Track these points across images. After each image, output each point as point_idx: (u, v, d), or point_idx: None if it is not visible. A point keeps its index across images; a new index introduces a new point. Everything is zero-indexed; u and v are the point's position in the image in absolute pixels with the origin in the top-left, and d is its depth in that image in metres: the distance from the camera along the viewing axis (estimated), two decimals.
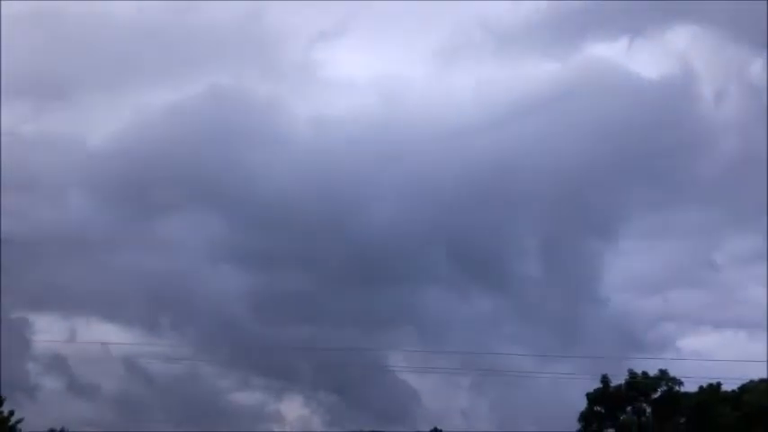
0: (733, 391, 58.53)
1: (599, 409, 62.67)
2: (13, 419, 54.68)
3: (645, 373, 62.18)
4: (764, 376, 57.77)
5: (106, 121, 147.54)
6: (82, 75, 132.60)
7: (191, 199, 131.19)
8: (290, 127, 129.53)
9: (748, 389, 57.67)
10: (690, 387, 60.70)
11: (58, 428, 72.72)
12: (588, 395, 62.77)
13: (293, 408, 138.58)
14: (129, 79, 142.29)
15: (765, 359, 57.29)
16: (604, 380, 62.43)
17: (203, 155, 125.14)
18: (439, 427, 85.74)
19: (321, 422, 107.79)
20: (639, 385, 61.80)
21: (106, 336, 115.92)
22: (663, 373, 61.15)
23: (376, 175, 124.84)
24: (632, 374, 62.42)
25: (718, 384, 58.84)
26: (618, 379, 62.70)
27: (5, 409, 54.50)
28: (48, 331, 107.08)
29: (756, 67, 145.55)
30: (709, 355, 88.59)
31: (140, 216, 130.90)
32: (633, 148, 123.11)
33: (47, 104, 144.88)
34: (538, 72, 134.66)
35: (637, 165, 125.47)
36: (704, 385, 59.23)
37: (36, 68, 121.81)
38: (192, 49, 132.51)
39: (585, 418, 62.58)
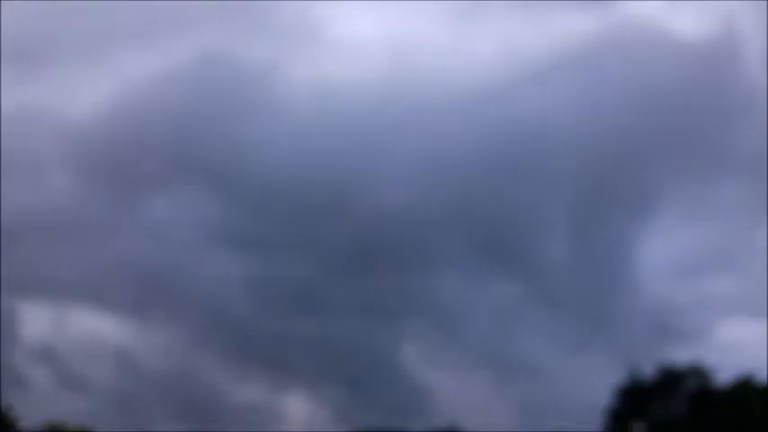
0: None
1: (627, 402, 65.52)
2: (12, 415, 59.37)
3: (676, 365, 65.92)
4: None
5: (87, 92, 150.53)
6: (60, 40, 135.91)
7: (181, 176, 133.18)
8: (289, 94, 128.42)
9: None
10: (722, 379, 63.22)
11: (56, 423, 77.89)
12: (615, 388, 65.23)
13: (297, 403, 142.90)
14: (111, 45, 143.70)
15: None
16: (633, 372, 64.81)
17: (194, 127, 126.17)
18: (456, 423, 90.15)
19: (327, 418, 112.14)
20: (670, 378, 65.41)
21: (97, 326, 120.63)
22: (695, 364, 63.89)
23: (387, 147, 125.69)
24: (663, 366, 64.79)
25: (752, 377, 62.16)
26: (648, 370, 64.95)
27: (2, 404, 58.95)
28: (35, 321, 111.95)
29: None
30: (747, 346, 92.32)
31: (128, 196, 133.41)
32: (671, 116, 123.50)
33: (23, 73, 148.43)
34: (568, 30, 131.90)
35: (675, 134, 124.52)
36: (738, 378, 62.66)
37: (10, 33, 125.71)
38: (178, 11, 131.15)
39: (613, 412, 65.09)
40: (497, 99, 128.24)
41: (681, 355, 68.56)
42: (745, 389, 61.45)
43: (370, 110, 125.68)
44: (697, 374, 64.10)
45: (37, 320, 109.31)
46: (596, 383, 79.35)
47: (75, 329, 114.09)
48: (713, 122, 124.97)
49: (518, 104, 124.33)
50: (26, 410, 63.60)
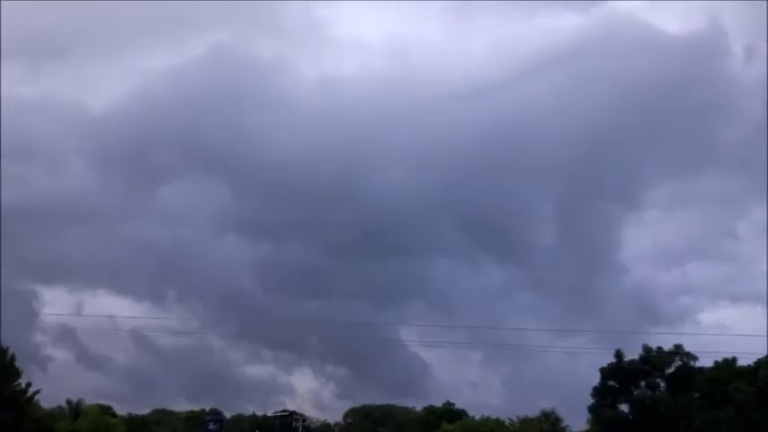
0: (749, 366, 61.14)
1: (613, 383, 65.39)
2: (30, 391, 59.29)
3: (660, 348, 65.87)
4: None
5: (106, 85, 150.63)
6: (80, 36, 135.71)
7: (194, 165, 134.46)
8: (295, 88, 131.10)
9: (764, 364, 61.11)
10: (705, 362, 63.63)
11: (74, 400, 78.01)
12: (602, 370, 65.23)
13: (304, 381, 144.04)
14: (128, 41, 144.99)
15: None
16: (618, 354, 65.02)
17: (206, 119, 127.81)
18: (451, 401, 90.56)
19: (331, 395, 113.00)
20: (654, 360, 64.76)
21: (113, 308, 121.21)
22: (677, 347, 64.02)
23: (386, 138, 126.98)
24: (647, 349, 64.96)
25: (734, 359, 61.56)
26: (633, 353, 65.37)
27: (22, 382, 59.00)
28: (54, 303, 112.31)
29: None
30: (726, 330, 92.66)
31: (144, 184, 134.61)
32: (656, 109, 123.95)
33: (44, 66, 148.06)
34: (556, 28, 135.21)
35: (660, 127, 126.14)
36: (719, 360, 62.19)
37: (34, 29, 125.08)
38: (191, 8, 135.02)
39: (599, 392, 65.23)
40: (489, 94, 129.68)
41: (665, 339, 68.97)
42: (726, 371, 61.18)
43: (370, 104, 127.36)
44: (680, 357, 63.87)
45: (56, 303, 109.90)
46: (583, 365, 79.80)
47: (92, 311, 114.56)
48: (696, 116, 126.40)
49: (509, 99, 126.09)
50: (46, 390, 63.63)
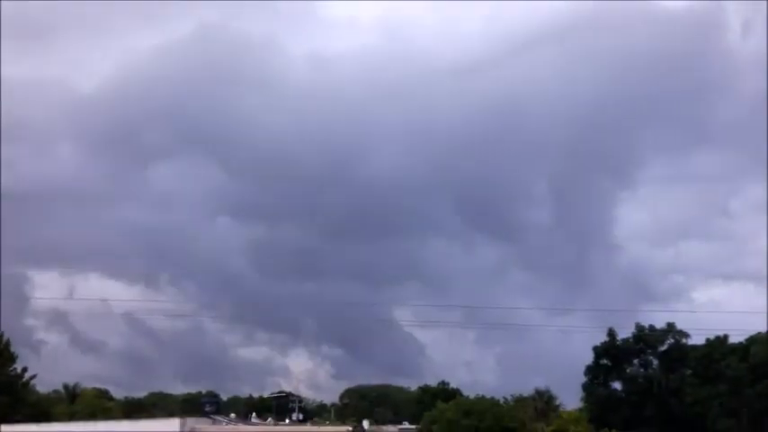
0: (740, 343, 62.51)
1: (606, 361, 66.94)
2: (27, 376, 60.04)
3: (652, 326, 66.78)
4: None
5: (94, 64, 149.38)
6: (67, 15, 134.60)
7: (185, 146, 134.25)
8: (285, 67, 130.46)
9: (755, 340, 62.30)
10: (697, 339, 64.95)
11: (71, 385, 78.91)
12: (595, 348, 66.76)
13: (299, 362, 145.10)
14: (116, 19, 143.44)
15: None
16: (611, 333, 66.41)
17: (196, 99, 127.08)
18: (446, 380, 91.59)
19: (327, 376, 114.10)
20: (646, 338, 66.00)
21: (106, 291, 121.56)
22: (670, 325, 65.27)
23: (379, 117, 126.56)
24: (640, 327, 66.23)
25: (725, 337, 62.91)
26: (625, 331, 66.68)
27: (18, 367, 59.68)
28: (46, 287, 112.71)
29: None
30: (718, 307, 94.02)
31: (134, 166, 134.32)
32: (652, 85, 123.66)
33: (31, 46, 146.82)
34: (549, 3, 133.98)
35: (655, 103, 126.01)
36: (711, 338, 63.57)
37: (19, 8, 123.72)
38: None
39: (592, 371, 66.80)
40: (482, 72, 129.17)
41: (658, 317, 70.16)
42: (719, 348, 62.23)
43: (362, 83, 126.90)
44: (673, 335, 64.85)
45: (48, 286, 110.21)
46: (577, 343, 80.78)
47: (85, 295, 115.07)
48: (692, 92, 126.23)
49: (502, 76, 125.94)
50: (41, 374, 64.29)
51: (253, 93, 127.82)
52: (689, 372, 64.34)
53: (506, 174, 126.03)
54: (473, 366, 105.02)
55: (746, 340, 62.62)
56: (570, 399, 72.30)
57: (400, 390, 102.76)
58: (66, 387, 79.80)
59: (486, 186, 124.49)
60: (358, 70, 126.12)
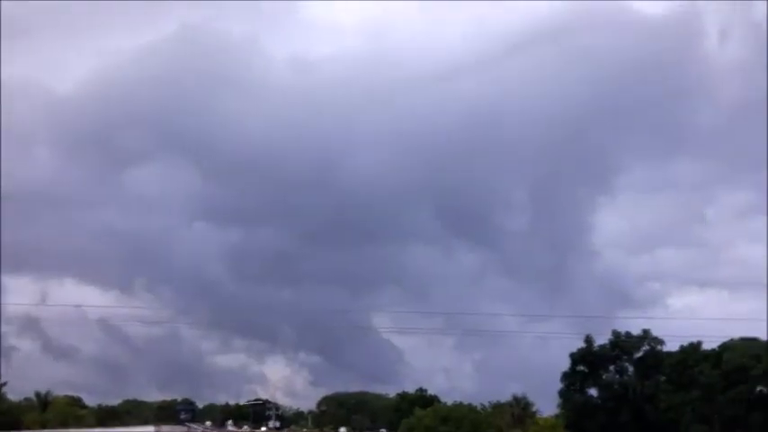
0: (713, 349, 63.00)
1: (582, 368, 66.92)
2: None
3: (628, 333, 67.29)
4: (745, 335, 63.52)
5: (71, 65, 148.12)
6: (45, 14, 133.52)
7: (163, 149, 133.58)
8: (267, 69, 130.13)
9: (728, 347, 63.05)
10: (672, 346, 65.41)
11: (42, 392, 77.89)
12: (572, 355, 66.73)
13: (277, 369, 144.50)
14: (95, 19, 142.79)
15: (747, 318, 62.80)
16: (588, 339, 66.56)
17: (175, 101, 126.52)
18: (424, 387, 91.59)
19: (305, 383, 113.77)
20: (622, 345, 66.24)
21: (81, 297, 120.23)
22: (645, 332, 65.59)
23: (360, 121, 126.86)
24: (616, 334, 66.56)
25: (699, 343, 63.29)
26: (602, 338, 66.97)
27: None
28: (18, 292, 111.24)
29: (761, 5, 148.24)
30: (693, 314, 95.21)
31: (111, 168, 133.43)
32: (632, 91, 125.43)
33: (8, 46, 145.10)
34: (532, 9, 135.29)
35: (635, 110, 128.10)
36: (685, 344, 63.99)
37: None
38: None
39: (569, 377, 66.66)
40: (464, 77, 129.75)
41: (634, 323, 70.60)
42: (692, 355, 62.74)
43: (344, 87, 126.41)
44: (648, 341, 65.29)
45: (21, 291, 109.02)
46: (553, 349, 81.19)
47: (59, 301, 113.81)
48: (672, 99, 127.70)
49: (484, 81, 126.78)
50: (12, 381, 63.38)
51: (233, 95, 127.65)
52: (663, 378, 64.84)
53: (487, 179, 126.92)
54: (451, 373, 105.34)
55: (719, 347, 63.24)
56: (547, 405, 73.00)
57: (378, 397, 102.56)
58: (37, 395, 78.76)
59: (466, 192, 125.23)
60: (340, 74, 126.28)
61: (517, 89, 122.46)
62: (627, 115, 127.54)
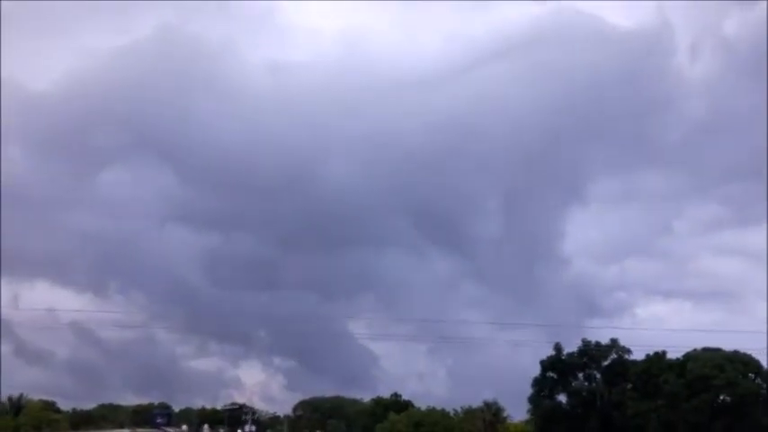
0: (678, 359, 65.60)
1: (552, 375, 69.23)
2: None
3: (597, 342, 69.91)
4: (708, 345, 66.56)
5: (45, 64, 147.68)
6: (20, 12, 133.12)
7: (138, 150, 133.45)
8: (243, 74, 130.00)
9: (692, 357, 65.88)
10: (638, 355, 67.78)
11: (15, 396, 78.80)
12: (542, 362, 69.08)
13: (253, 374, 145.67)
14: (71, 18, 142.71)
15: (711, 329, 65.55)
16: (557, 347, 68.92)
17: (151, 102, 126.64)
18: (399, 393, 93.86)
19: (281, 388, 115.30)
20: (591, 353, 68.63)
21: (54, 300, 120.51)
22: (613, 341, 67.95)
23: (336, 128, 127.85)
24: (585, 342, 68.88)
25: (664, 353, 65.92)
26: (571, 345, 69.34)
27: None
28: None
29: (732, 22, 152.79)
30: (659, 324, 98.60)
31: (85, 169, 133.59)
32: (604, 102, 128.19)
33: None
34: (507, 19, 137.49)
35: (605, 122, 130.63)
36: (651, 353, 66.53)
37: None
38: None
39: (538, 383, 68.97)
40: (440, 85, 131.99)
41: (601, 332, 72.99)
42: (657, 364, 65.54)
43: (320, 93, 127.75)
44: (616, 350, 67.94)
45: None
46: (525, 356, 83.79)
47: (31, 304, 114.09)
48: (641, 111, 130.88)
49: (459, 90, 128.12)
50: None
51: (210, 98, 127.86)
52: (630, 386, 67.49)
53: (462, 187, 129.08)
54: (425, 378, 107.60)
55: (684, 356, 66.07)
56: (517, 410, 75.39)
57: (353, 401, 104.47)
58: (10, 399, 79.67)
59: (441, 199, 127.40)
60: (316, 80, 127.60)
61: (492, 98, 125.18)
62: (596, 127, 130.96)
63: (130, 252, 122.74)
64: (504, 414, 77.31)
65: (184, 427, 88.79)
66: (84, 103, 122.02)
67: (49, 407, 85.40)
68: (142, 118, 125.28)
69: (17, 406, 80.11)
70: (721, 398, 63.33)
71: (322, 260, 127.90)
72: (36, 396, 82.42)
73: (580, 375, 69.89)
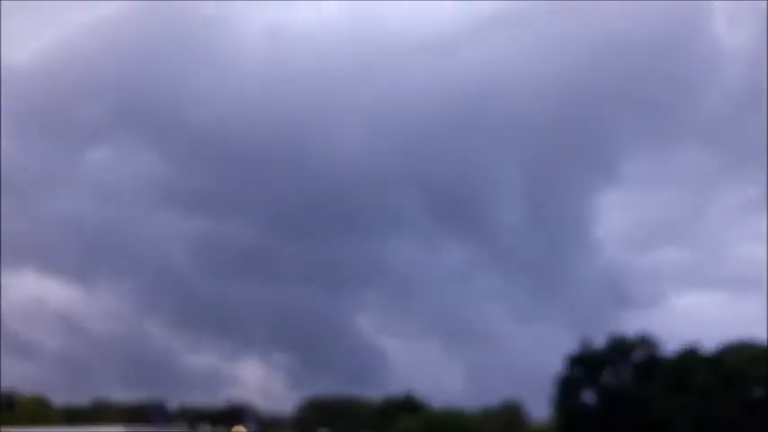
0: (712, 352, 66.15)
1: (578, 371, 69.45)
2: None
3: (626, 335, 70.61)
4: (744, 337, 68.52)
5: (26, 35, 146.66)
6: None
7: (123, 128, 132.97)
8: (238, 41, 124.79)
9: (727, 350, 66.81)
10: (670, 348, 67.96)
11: (6, 391, 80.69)
12: (567, 358, 69.33)
13: (253, 370, 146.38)
14: None
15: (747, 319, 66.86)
16: (584, 342, 69.32)
17: (137, 76, 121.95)
18: (411, 390, 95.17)
19: (283, 385, 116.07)
20: (620, 347, 69.21)
21: (41, 290, 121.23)
22: (644, 335, 67.97)
23: (341, 99, 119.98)
24: (613, 336, 68.80)
25: (697, 347, 66.93)
26: (599, 338, 69.23)
27: None
28: None
29: None
30: (695, 315, 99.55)
31: (69, 148, 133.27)
32: (634, 75, 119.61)
33: None
34: None
35: (637, 95, 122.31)
36: (684, 347, 67.08)
37: None
38: None
39: (564, 381, 69.31)
40: (454, 51, 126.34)
41: (632, 324, 73.61)
42: (691, 359, 67.67)
43: (323, 59, 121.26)
44: (645, 345, 69.88)
45: None
46: (548, 351, 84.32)
47: (17, 294, 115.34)
48: (676, 85, 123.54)
49: (475, 56, 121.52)
50: None
51: (202, 69, 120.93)
52: (661, 382, 69.57)
53: (477, 165, 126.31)
54: (440, 375, 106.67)
55: (718, 350, 68.17)
56: (540, 409, 76.69)
57: (361, 402, 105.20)
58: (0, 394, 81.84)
59: (455, 178, 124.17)
60: (320, 47, 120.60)
61: (510, 65, 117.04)
62: (628, 100, 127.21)
63: (119, 238, 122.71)
64: (526, 413, 78.88)
65: (180, 423, 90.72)
66: (65, 78, 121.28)
67: (43, 402, 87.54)
68: (129, 93, 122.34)
69: (9, 401, 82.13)
70: (756, 392, 64.87)
71: (326, 246, 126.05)
72: (27, 390, 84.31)
73: (608, 371, 71.79)
